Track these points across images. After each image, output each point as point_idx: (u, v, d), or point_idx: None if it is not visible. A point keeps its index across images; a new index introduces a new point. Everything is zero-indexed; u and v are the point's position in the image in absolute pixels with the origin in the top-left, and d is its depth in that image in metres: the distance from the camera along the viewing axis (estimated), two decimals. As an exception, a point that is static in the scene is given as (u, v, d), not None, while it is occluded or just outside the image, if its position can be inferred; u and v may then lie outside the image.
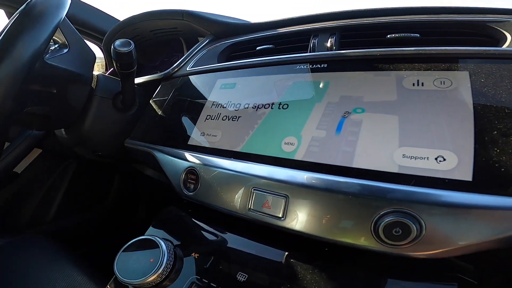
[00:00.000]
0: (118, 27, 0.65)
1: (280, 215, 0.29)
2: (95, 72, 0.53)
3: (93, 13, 0.82)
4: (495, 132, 0.25)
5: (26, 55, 0.32)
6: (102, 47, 0.72)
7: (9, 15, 0.73)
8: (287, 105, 0.35)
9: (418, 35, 0.39)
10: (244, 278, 0.29)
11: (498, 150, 0.24)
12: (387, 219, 0.24)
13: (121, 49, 0.43)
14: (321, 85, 0.35)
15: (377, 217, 0.25)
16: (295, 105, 0.35)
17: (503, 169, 0.23)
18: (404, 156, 0.26)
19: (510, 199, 0.22)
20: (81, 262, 0.49)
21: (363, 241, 0.25)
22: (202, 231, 0.38)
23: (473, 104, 0.27)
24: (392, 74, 0.32)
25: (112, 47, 0.44)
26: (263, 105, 0.37)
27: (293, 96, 0.36)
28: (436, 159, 0.25)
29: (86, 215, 0.66)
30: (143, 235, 0.36)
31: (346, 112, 0.31)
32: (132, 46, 0.44)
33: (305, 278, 0.28)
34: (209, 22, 0.56)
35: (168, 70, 0.53)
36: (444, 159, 0.25)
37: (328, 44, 0.42)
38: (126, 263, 0.32)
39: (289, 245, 0.31)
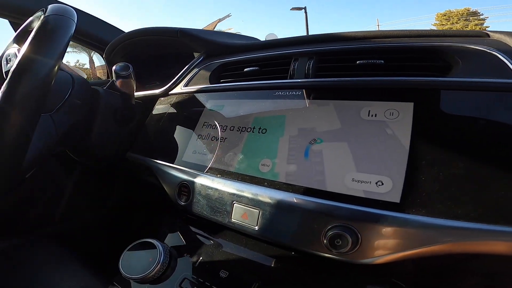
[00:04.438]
0: (116, 42, 0.70)
1: (255, 225, 0.36)
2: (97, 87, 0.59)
3: (94, 23, 0.86)
4: (424, 161, 0.31)
5: (48, 68, 0.34)
6: (103, 58, 0.76)
7: (14, 26, 0.78)
8: (266, 129, 0.41)
9: (382, 61, 0.42)
10: (225, 275, 0.37)
11: (423, 178, 0.30)
12: (331, 232, 0.30)
13: (121, 73, 0.49)
14: (294, 113, 0.41)
15: (326, 229, 0.31)
16: (272, 130, 0.41)
17: (424, 194, 0.29)
18: (353, 180, 0.33)
19: (428, 218, 0.28)
20: (87, 262, 0.52)
21: (316, 248, 0.32)
22: (193, 235, 0.45)
23: (411, 135, 0.33)
24: (354, 104, 0.38)
25: (113, 71, 0.50)
26: (245, 128, 0.43)
27: (271, 121, 0.42)
28: (376, 183, 0.32)
29: (90, 217, 0.72)
30: (144, 237, 0.42)
31: (313, 140, 0.37)
32: (131, 69, 0.50)
33: (273, 276, 0.35)
34: (202, 41, 0.61)
35: (165, 87, 0.59)
36: (382, 184, 0.31)
37: (306, 69, 0.47)
38: (129, 262, 0.38)
39: (262, 249, 0.38)
